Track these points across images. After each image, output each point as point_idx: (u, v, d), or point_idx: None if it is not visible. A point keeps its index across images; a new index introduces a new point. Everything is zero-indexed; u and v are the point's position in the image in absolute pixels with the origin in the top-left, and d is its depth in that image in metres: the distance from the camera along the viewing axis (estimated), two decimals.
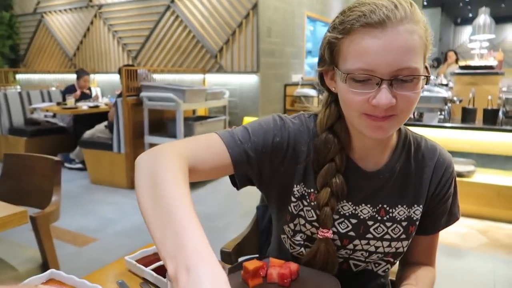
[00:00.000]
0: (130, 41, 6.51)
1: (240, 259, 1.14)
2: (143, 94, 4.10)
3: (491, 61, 4.82)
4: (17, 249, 1.66)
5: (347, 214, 0.85)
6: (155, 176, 0.60)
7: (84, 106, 4.84)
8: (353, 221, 0.85)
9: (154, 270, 0.86)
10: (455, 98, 3.62)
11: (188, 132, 4.04)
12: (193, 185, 3.86)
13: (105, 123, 4.53)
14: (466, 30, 12.48)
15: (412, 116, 3.44)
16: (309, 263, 0.85)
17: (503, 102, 3.38)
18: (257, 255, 1.21)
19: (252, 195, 1.31)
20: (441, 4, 11.00)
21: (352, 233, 0.85)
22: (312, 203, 0.85)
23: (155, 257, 0.94)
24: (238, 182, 0.84)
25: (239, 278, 0.81)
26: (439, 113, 3.49)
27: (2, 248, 1.67)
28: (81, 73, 5.30)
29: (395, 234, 0.85)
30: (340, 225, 0.85)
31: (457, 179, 0.90)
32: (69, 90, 5.24)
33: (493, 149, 3.44)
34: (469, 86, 3.98)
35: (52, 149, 4.81)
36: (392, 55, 0.67)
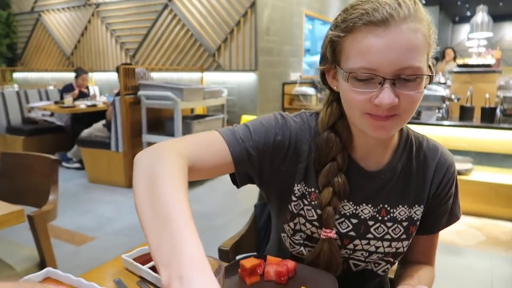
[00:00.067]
0: (128, 40, 6.50)
1: (237, 257, 1.14)
2: (141, 92, 4.09)
3: (489, 59, 4.83)
4: (15, 248, 1.66)
5: (348, 214, 0.84)
6: (153, 177, 0.59)
7: (82, 105, 4.83)
8: (354, 221, 0.84)
9: (151, 268, 0.85)
10: (453, 96, 3.62)
11: (186, 131, 4.04)
12: (191, 184, 3.86)
13: (103, 121, 4.52)
14: (464, 29, 12.48)
15: None
16: (312, 263, 0.85)
17: (500, 100, 3.38)
18: (255, 253, 1.21)
19: (250, 194, 1.31)
20: (440, 3, 11.00)
21: (352, 233, 0.85)
22: (313, 203, 0.84)
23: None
24: (238, 180, 0.83)
25: (236, 276, 0.81)
26: (437, 111, 3.50)
27: (0, 247, 1.66)
28: (80, 72, 5.29)
29: (396, 234, 0.85)
30: (340, 225, 0.84)
31: None
32: (67, 89, 5.23)
33: (490, 147, 3.45)
34: (467, 84, 4.00)
35: (49, 148, 4.80)
36: (395, 54, 0.66)
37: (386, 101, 0.67)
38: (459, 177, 0.97)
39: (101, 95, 6.18)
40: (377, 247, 0.86)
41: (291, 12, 6.22)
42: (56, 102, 5.07)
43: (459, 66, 4.76)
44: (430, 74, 0.71)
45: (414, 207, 0.85)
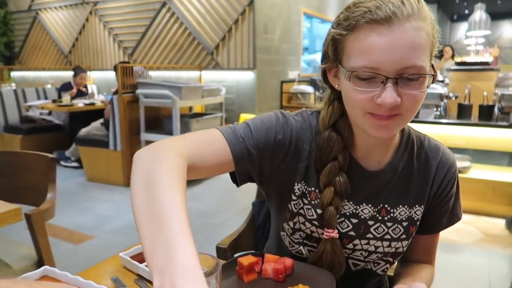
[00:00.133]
0: (126, 38, 6.49)
1: (235, 255, 1.14)
2: (139, 91, 4.08)
3: (487, 58, 4.84)
4: (12, 247, 1.66)
5: (348, 213, 0.84)
6: (151, 177, 0.58)
7: (80, 103, 4.82)
8: (354, 220, 0.84)
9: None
10: (451, 94, 3.63)
11: (185, 129, 4.03)
12: (190, 182, 3.86)
13: (101, 120, 4.51)
14: (462, 27, 12.50)
15: None
16: (315, 264, 0.84)
17: (498, 98, 3.39)
18: (253, 251, 1.21)
19: (249, 192, 1.31)
20: (437, 1, 11.00)
21: (352, 233, 0.84)
22: (313, 202, 0.84)
23: None
24: (238, 179, 0.82)
25: (234, 274, 0.81)
26: (435, 109, 3.50)
27: None
28: (78, 71, 5.27)
29: (396, 234, 0.85)
30: (340, 224, 0.84)
31: None
32: (65, 87, 5.21)
33: (488, 145, 3.46)
34: (464, 82, 4.00)
35: (47, 147, 4.80)
36: (398, 53, 0.65)
37: (388, 101, 0.66)
38: None
39: (99, 93, 6.17)
40: (376, 247, 0.85)
41: (289, 10, 6.21)
42: (54, 101, 5.05)
43: (457, 64, 4.76)
44: (433, 73, 0.70)
45: (414, 207, 0.85)
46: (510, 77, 3.83)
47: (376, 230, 0.84)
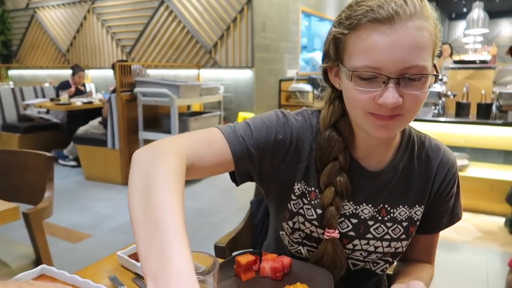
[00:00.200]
0: (124, 37, 6.47)
1: (233, 254, 1.14)
2: (137, 89, 4.07)
3: (485, 56, 4.85)
4: (10, 246, 1.65)
5: (348, 213, 0.84)
6: (148, 179, 0.57)
7: (78, 102, 4.81)
8: (354, 220, 0.84)
9: None
10: (449, 93, 3.63)
11: (183, 128, 4.03)
12: (188, 181, 3.85)
13: (99, 119, 4.50)
14: (461, 25, 12.51)
15: None
16: (316, 264, 0.84)
17: (496, 97, 3.40)
18: (251, 249, 1.21)
19: (247, 191, 1.31)
20: None
21: (352, 233, 0.84)
22: (313, 202, 0.83)
23: None
24: (238, 178, 0.81)
25: (232, 273, 0.81)
26: (433, 107, 3.51)
27: None
28: (77, 69, 5.26)
29: (395, 235, 0.85)
30: (340, 224, 0.84)
31: None
32: (63, 86, 5.20)
33: (486, 143, 3.46)
34: (463, 81, 4.00)
35: (45, 146, 4.79)
36: (400, 53, 0.64)
37: (390, 101, 0.66)
38: None
39: (97, 92, 6.16)
40: (376, 247, 0.85)
41: (287, 9, 6.20)
42: (51, 99, 5.04)
43: (455, 62, 4.76)
44: (435, 73, 0.70)
45: (414, 207, 0.85)
46: (510, 70, 3.83)
47: (376, 230, 0.84)
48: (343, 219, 0.84)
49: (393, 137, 0.81)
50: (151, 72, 5.65)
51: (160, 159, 0.61)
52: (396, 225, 0.84)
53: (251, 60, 5.42)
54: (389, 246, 0.85)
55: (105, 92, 5.89)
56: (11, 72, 7.76)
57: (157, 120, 4.30)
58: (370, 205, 0.84)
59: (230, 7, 5.43)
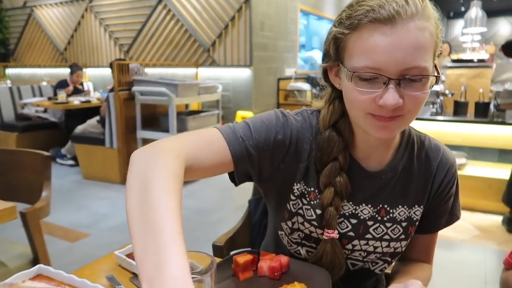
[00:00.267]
0: (122, 35, 6.45)
1: (231, 253, 1.14)
2: (135, 88, 4.06)
3: (483, 54, 4.86)
4: (7, 245, 1.65)
5: (347, 214, 0.83)
6: (146, 181, 0.57)
7: (75, 101, 4.80)
8: (353, 221, 0.84)
9: None
10: (447, 92, 3.64)
11: (181, 127, 4.02)
12: (187, 180, 3.85)
13: (97, 118, 4.49)
14: (459, 24, 12.53)
15: None
16: (315, 265, 0.84)
17: (494, 95, 3.40)
18: (249, 249, 1.21)
19: (246, 191, 1.30)
20: None
21: (351, 233, 0.84)
22: (312, 202, 0.83)
23: None
24: (237, 178, 0.81)
25: (230, 272, 0.81)
26: (431, 106, 3.51)
27: None
28: (75, 68, 5.25)
29: (395, 235, 0.85)
30: (339, 225, 0.83)
31: None
32: (61, 84, 5.18)
33: (484, 142, 3.47)
34: (461, 80, 4.01)
35: (43, 145, 4.77)
36: (401, 54, 0.64)
37: (390, 102, 0.65)
38: None
39: (95, 91, 6.14)
40: (375, 247, 0.85)
41: (286, 7, 6.20)
42: (49, 98, 5.03)
43: (453, 61, 4.77)
44: (436, 75, 0.69)
45: (413, 208, 0.85)
46: (508, 65, 3.83)
47: (375, 231, 0.84)
48: (342, 219, 0.83)
49: (393, 137, 0.81)
50: (149, 70, 5.64)
51: (158, 160, 0.61)
52: (395, 225, 0.84)
53: (250, 58, 5.42)
54: (388, 246, 0.85)
55: (103, 91, 5.88)
56: (9, 71, 7.74)
57: (155, 119, 4.30)
58: (369, 206, 0.83)
59: (228, 6, 5.42)
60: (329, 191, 0.79)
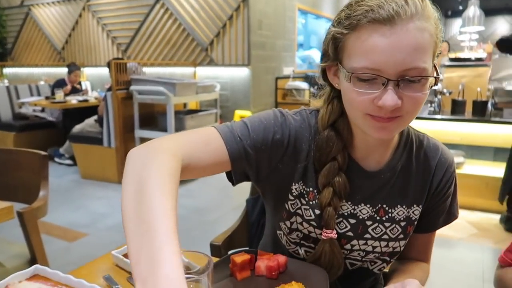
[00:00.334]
0: (120, 34, 6.44)
1: (229, 252, 1.14)
2: (133, 87, 4.06)
3: (481, 53, 4.86)
4: (5, 245, 1.64)
5: (346, 214, 0.83)
6: (141, 180, 0.56)
7: (73, 100, 4.79)
8: (352, 221, 0.83)
9: None
10: (445, 90, 3.64)
11: (179, 126, 4.02)
12: (185, 179, 3.84)
13: (95, 117, 4.48)
14: (457, 23, 12.55)
15: None
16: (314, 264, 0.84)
17: (492, 94, 3.41)
18: (247, 248, 1.21)
19: (244, 190, 1.30)
20: None
21: (350, 233, 0.84)
22: (311, 202, 0.83)
23: None
24: (234, 178, 0.81)
25: (228, 272, 0.81)
26: (429, 105, 3.52)
27: None
28: (73, 68, 5.23)
29: (393, 234, 0.84)
30: (338, 225, 0.83)
31: None
32: (59, 84, 5.17)
33: (482, 140, 3.48)
34: (458, 78, 4.01)
35: (41, 144, 4.76)
36: (400, 54, 0.63)
37: (389, 103, 0.65)
38: None
39: (93, 90, 6.13)
40: (374, 247, 0.85)
41: (284, 6, 6.19)
42: (47, 98, 5.01)
43: (451, 60, 4.77)
44: (435, 76, 0.69)
45: (412, 207, 0.85)
46: (508, 59, 3.83)
47: (374, 230, 0.84)
48: (341, 219, 0.83)
49: (392, 137, 0.81)
50: (147, 70, 5.62)
51: (154, 159, 0.60)
52: (394, 225, 0.84)
53: (248, 58, 5.41)
54: (387, 246, 0.85)
55: (100, 90, 5.87)
56: (6, 70, 7.71)
57: (153, 118, 4.29)
58: (368, 205, 0.83)
59: (226, 5, 5.42)
60: (327, 191, 0.79)
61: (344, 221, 0.83)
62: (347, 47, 0.69)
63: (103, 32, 6.63)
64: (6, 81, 6.47)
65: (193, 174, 0.71)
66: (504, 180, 2.99)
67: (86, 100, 4.85)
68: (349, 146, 0.82)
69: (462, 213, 3.19)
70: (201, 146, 0.72)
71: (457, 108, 3.42)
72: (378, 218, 0.84)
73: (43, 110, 5.32)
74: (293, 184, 0.83)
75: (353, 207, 0.83)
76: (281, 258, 0.82)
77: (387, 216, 0.84)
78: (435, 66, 0.70)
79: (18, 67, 7.70)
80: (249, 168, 0.80)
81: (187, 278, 0.57)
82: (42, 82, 5.93)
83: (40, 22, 7.34)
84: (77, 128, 4.46)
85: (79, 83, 5.42)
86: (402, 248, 0.87)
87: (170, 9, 5.80)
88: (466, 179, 3.27)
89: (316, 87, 0.86)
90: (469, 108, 3.43)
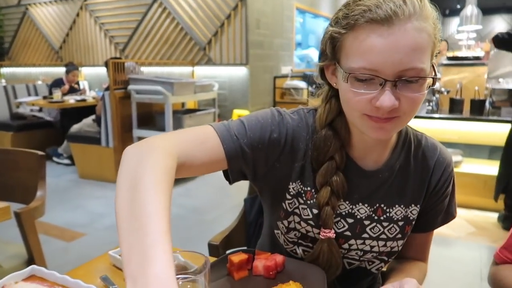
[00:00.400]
0: (117, 34, 6.43)
1: (227, 252, 1.14)
2: (131, 87, 4.05)
3: (478, 52, 4.87)
4: (2, 246, 1.64)
5: (344, 213, 0.83)
6: (136, 178, 0.56)
7: (71, 100, 4.78)
8: (350, 220, 0.83)
9: None
10: (442, 89, 3.65)
11: (177, 125, 4.01)
12: (182, 178, 3.84)
13: (93, 117, 4.47)
14: (454, 22, 12.57)
15: None
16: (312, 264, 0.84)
17: (489, 92, 3.41)
18: (245, 248, 1.20)
19: (241, 189, 1.30)
20: None
21: (348, 233, 0.84)
22: (308, 202, 0.83)
23: None
24: (231, 177, 0.80)
25: (225, 271, 0.81)
26: (427, 104, 3.52)
27: None
28: (71, 67, 5.22)
29: (391, 234, 0.84)
30: (336, 224, 0.83)
31: None
32: (56, 83, 5.16)
33: (480, 139, 3.48)
34: (456, 77, 4.02)
35: (39, 144, 4.75)
36: (398, 55, 0.63)
37: (386, 104, 0.65)
38: None
39: (91, 89, 6.12)
40: (372, 247, 0.85)
41: (281, 5, 6.19)
42: (44, 97, 5.00)
43: (449, 58, 4.78)
44: (433, 76, 0.68)
45: (410, 207, 0.85)
46: (505, 55, 3.82)
47: (372, 230, 0.84)
48: (339, 218, 0.83)
49: (390, 137, 0.80)
50: (145, 69, 5.62)
51: (149, 157, 0.60)
52: (392, 224, 0.84)
53: (246, 57, 5.41)
54: (385, 245, 0.85)
55: (98, 89, 5.85)
56: (3, 70, 7.68)
57: (151, 118, 4.28)
58: (366, 205, 0.83)
59: (224, 4, 5.41)
60: (325, 191, 0.79)
61: (342, 220, 0.83)
62: (345, 47, 0.69)
63: (100, 32, 6.61)
64: (3, 80, 6.45)
65: (189, 172, 0.71)
66: (498, 178, 3.00)
67: (84, 100, 4.84)
68: (347, 145, 0.81)
69: (460, 211, 3.19)
70: (197, 144, 0.72)
71: (455, 107, 3.43)
72: (376, 217, 0.83)
73: (40, 110, 5.31)
74: (291, 183, 0.83)
75: (351, 206, 0.83)
76: (279, 258, 0.81)
77: (385, 216, 0.84)
78: (433, 66, 0.70)
79: (16, 66, 7.68)
80: (245, 167, 0.80)
81: (184, 278, 0.57)
82: (39, 82, 5.91)
83: (37, 22, 7.32)
84: (75, 127, 4.45)
85: (77, 83, 5.40)
86: (400, 248, 0.87)
87: (168, 8, 5.79)
88: (464, 178, 3.27)
89: (314, 86, 0.86)
90: (467, 106, 3.43)
